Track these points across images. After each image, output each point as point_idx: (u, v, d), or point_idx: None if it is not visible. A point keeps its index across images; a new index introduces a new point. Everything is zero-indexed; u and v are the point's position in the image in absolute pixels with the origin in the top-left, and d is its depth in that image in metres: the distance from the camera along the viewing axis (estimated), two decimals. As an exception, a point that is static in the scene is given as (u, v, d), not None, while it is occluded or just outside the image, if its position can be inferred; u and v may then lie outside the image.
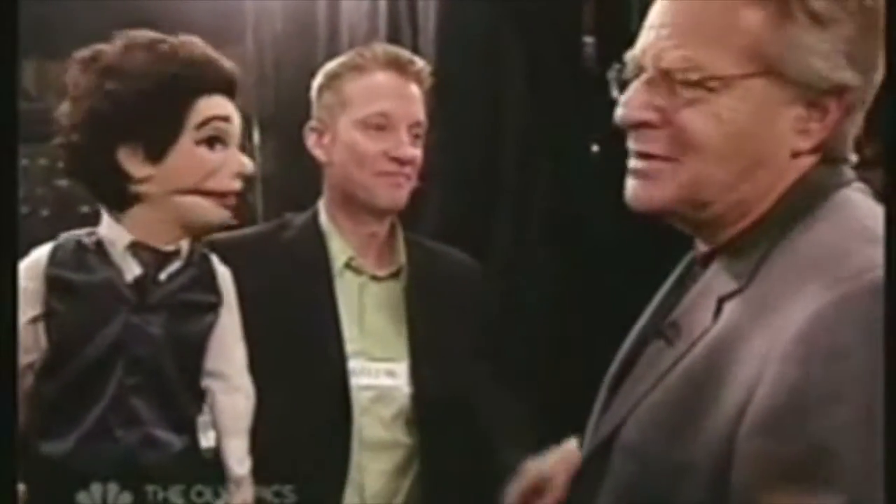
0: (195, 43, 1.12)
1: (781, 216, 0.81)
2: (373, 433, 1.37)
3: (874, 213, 0.77)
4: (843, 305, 0.69)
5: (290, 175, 2.10)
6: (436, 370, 1.39)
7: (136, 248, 1.09)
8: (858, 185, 0.83)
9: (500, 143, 2.09)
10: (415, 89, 1.44)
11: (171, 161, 1.08)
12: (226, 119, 1.11)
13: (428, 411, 1.38)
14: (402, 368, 1.40)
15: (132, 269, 1.09)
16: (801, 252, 0.77)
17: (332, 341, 1.37)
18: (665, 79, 0.80)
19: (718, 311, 0.79)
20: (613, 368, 0.97)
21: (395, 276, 1.46)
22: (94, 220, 1.14)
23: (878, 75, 0.78)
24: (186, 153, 1.09)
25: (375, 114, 1.39)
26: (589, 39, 1.99)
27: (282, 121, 2.17)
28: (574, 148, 2.04)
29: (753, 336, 0.74)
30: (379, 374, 1.39)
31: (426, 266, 1.47)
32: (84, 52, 1.09)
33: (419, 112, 1.44)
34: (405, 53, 1.47)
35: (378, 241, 1.46)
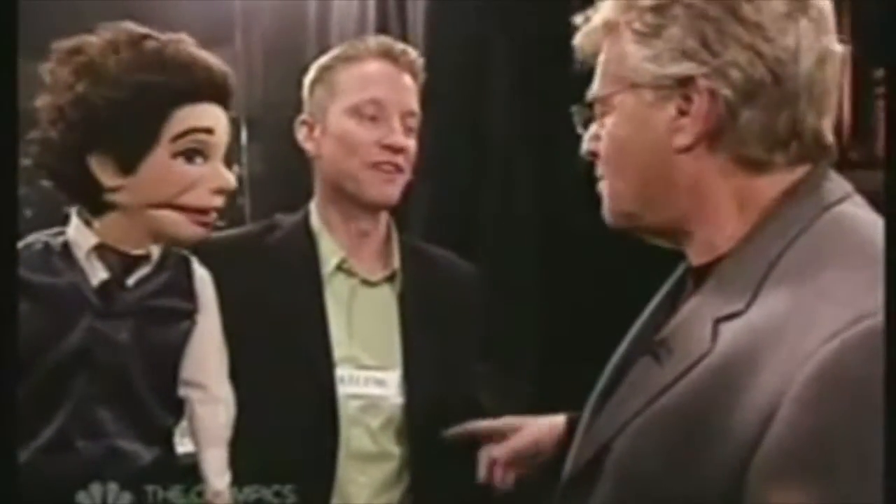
0: (184, 43, 1.05)
1: (774, 233, 0.80)
2: (360, 444, 1.31)
3: (878, 233, 0.75)
4: (867, 343, 0.66)
5: (279, 175, 2.09)
6: (428, 380, 1.34)
7: (102, 250, 1.04)
8: (857, 199, 0.83)
9: (488, 141, 2.09)
10: (408, 79, 1.39)
11: (143, 173, 1.02)
12: (208, 131, 1.04)
13: (418, 422, 1.33)
14: (392, 377, 1.34)
15: (98, 274, 1.03)
16: (807, 280, 0.74)
17: (321, 347, 1.31)
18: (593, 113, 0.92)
19: (715, 333, 0.77)
20: (599, 385, 0.96)
21: (388, 280, 1.40)
22: None
23: (733, 54, 0.80)
24: (161, 166, 1.02)
25: (367, 101, 1.34)
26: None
27: (270, 121, 2.17)
28: (561, 146, 2.04)
29: (762, 366, 0.71)
30: (368, 383, 1.33)
31: (422, 271, 1.41)
32: (67, 44, 1.03)
33: (412, 102, 1.38)
34: (398, 44, 1.41)
35: (371, 243, 1.40)
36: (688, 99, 0.82)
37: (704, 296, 0.83)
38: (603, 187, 0.92)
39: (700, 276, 0.87)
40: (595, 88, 0.91)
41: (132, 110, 0.99)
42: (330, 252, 1.37)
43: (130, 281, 1.05)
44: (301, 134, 1.41)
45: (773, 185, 0.83)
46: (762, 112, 0.81)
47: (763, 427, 0.68)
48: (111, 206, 1.03)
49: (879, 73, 2.15)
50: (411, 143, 1.37)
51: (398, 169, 1.35)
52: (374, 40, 1.41)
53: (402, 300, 1.38)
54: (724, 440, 0.71)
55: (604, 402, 0.91)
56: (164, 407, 1.06)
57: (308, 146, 1.40)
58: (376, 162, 1.33)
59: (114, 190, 1.02)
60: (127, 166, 1.01)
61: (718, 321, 0.78)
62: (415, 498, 1.34)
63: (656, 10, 0.83)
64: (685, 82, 0.82)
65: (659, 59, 0.83)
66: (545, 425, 1.31)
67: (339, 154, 1.35)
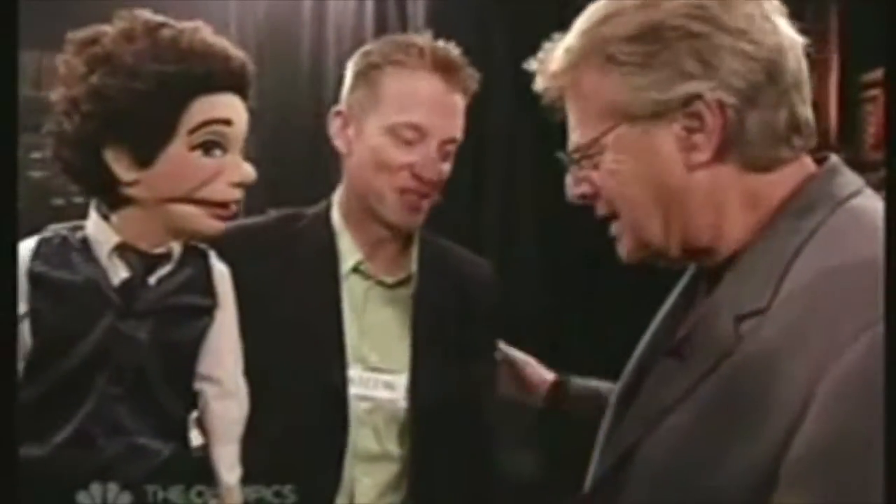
0: (201, 31, 1.01)
1: (789, 229, 0.81)
2: (367, 445, 1.31)
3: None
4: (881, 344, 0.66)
5: (272, 171, 2.08)
6: (435, 386, 1.32)
7: (123, 249, 1.02)
8: (868, 192, 0.84)
9: (488, 144, 2.09)
10: (458, 100, 1.31)
11: (160, 167, 0.99)
12: (226, 122, 1.00)
13: (423, 427, 1.32)
14: (400, 381, 1.33)
15: (119, 272, 1.01)
16: (830, 274, 0.75)
17: (334, 346, 1.30)
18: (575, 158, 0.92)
19: (738, 330, 0.78)
20: (623, 380, 0.96)
21: (403, 283, 1.38)
22: (68, 212, 1.07)
23: (730, 63, 0.81)
24: (178, 159, 0.99)
25: (409, 124, 1.27)
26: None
27: (264, 116, 2.16)
28: (562, 147, 2.04)
29: (790, 361, 0.72)
30: (377, 385, 1.32)
31: (438, 275, 1.38)
32: (81, 34, 1.00)
33: (457, 129, 1.32)
34: (457, 58, 1.32)
35: (390, 246, 1.38)
36: (693, 116, 0.83)
37: (722, 293, 0.84)
38: (618, 227, 0.91)
39: (714, 273, 0.87)
40: (579, 133, 0.90)
41: (148, 101, 0.96)
42: (348, 251, 1.35)
43: (152, 280, 1.03)
44: (334, 126, 1.35)
45: (782, 182, 0.84)
46: (764, 112, 0.82)
47: (795, 422, 0.69)
48: (129, 201, 1.01)
49: (867, 76, 2.16)
50: (445, 168, 1.32)
51: (425, 196, 1.31)
52: (430, 48, 1.31)
53: (416, 304, 1.36)
54: (755, 435, 0.72)
55: (626, 406, 0.91)
56: (180, 401, 1.05)
57: (338, 142, 1.35)
58: (405, 187, 1.29)
59: (130, 184, 0.99)
60: (143, 159, 0.98)
61: (740, 318, 0.78)
62: (417, 500, 1.33)
63: (639, 38, 0.83)
64: (690, 101, 0.82)
65: (659, 84, 0.83)
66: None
67: (369, 168, 1.30)
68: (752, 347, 0.76)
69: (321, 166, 2.01)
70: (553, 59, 0.90)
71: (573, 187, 0.93)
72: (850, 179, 0.84)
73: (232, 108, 1.02)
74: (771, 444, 0.70)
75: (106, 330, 0.99)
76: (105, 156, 0.98)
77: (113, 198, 1.01)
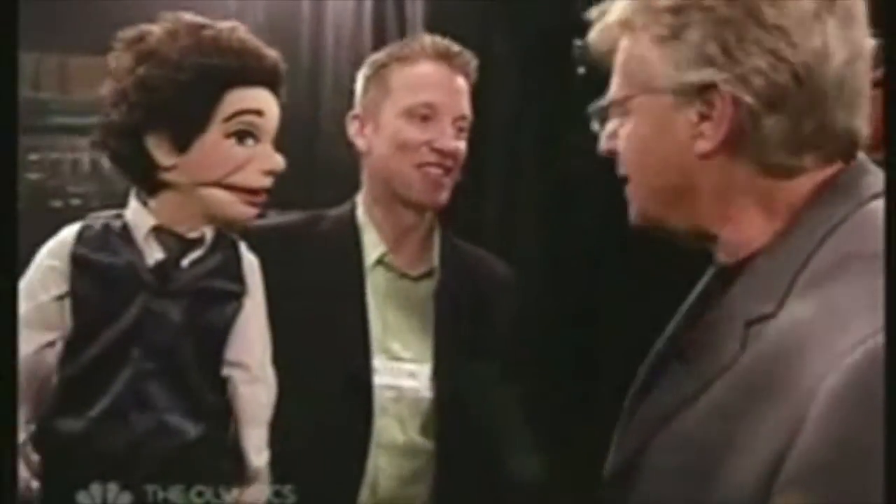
0: (238, 30, 1.10)
1: (806, 231, 0.78)
2: (391, 435, 1.35)
3: None
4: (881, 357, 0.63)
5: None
6: (458, 376, 1.36)
7: (159, 232, 1.08)
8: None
9: (487, 142, 2.09)
10: (461, 81, 1.41)
11: (196, 152, 1.06)
12: (258, 113, 1.08)
13: (446, 416, 1.36)
14: (424, 370, 1.37)
15: (154, 254, 1.08)
16: (838, 280, 0.71)
17: (359, 336, 1.35)
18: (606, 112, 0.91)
19: (746, 336, 0.75)
20: (638, 379, 0.95)
21: (426, 276, 1.43)
22: (65, 214, 1.13)
23: (755, 61, 0.77)
24: (213, 145, 1.07)
25: (421, 104, 1.37)
26: (578, 42, 1.99)
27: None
28: (561, 145, 2.04)
29: (790, 371, 0.69)
30: (401, 375, 1.37)
31: (460, 270, 1.44)
32: (129, 33, 1.08)
33: (464, 105, 1.41)
34: (453, 46, 1.43)
35: (414, 239, 1.44)
36: (709, 104, 0.80)
37: (735, 296, 0.81)
38: (629, 191, 0.90)
39: (730, 275, 0.84)
40: (613, 89, 0.89)
41: (188, 91, 1.04)
42: (372, 245, 1.41)
43: (185, 262, 1.09)
44: (352, 129, 1.43)
45: (803, 183, 0.80)
46: (787, 118, 0.78)
47: (792, 434, 0.66)
48: (166, 186, 1.08)
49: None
50: (462, 145, 1.40)
51: (447, 171, 1.38)
52: (429, 40, 1.43)
53: (438, 297, 1.41)
54: (754, 446, 0.69)
55: (639, 403, 0.90)
56: (209, 385, 1.09)
57: (359, 142, 1.43)
58: (426, 162, 1.36)
59: (168, 169, 1.06)
60: (181, 144, 1.06)
61: (749, 324, 0.76)
62: (440, 491, 1.36)
63: (674, 11, 0.81)
64: (706, 88, 0.79)
65: (679, 64, 0.80)
66: None
67: (390, 153, 1.38)
68: (755, 354, 0.73)
69: (319, 166, 2.01)
70: (612, 9, 0.88)
71: (604, 140, 0.91)
72: (875, 179, 0.80)
73: (264, 100, 1.09)
74: (768, 455, 0.67)
75: (140, 308, 1.05)
76: (147, 142, 1.06)
77: (152, 183, 1.08)
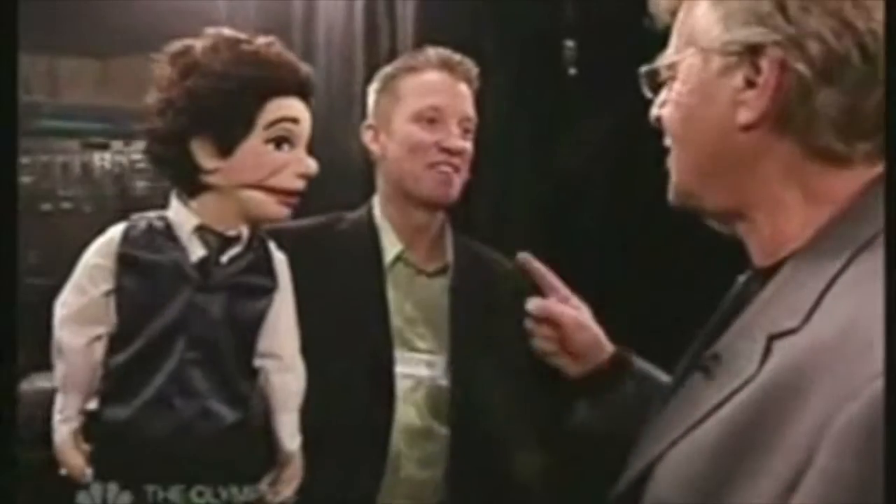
0: (275, 45, 1.18)
1: (843, 238, 0.70)
2: (410, 420, 1.44)
3: None
4: None
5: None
6: (473, 365, 1.46)
7: (202, 230, 1.16)
8: None
9: (476, 142, 2.08)
10: (464, 87, 1.54)
11: (239, 156, 1.14)
12: (294, 121, 1.17)
13: (461, 403, 1.45)
14: (440, 361, 1.47)
15: (197, 251, 1.15)
16: (868, 299, 0.63)
17: (380, 330, 1.45)
18: (658, 76, 0.86)
19: (767, 352, 0.69)
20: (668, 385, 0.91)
21: (441, 272, 1.54)
22: (55, 217, 1.16)
23: (815, 23, 0.69)
24: (254, 150, 1.15)
25: (428, 107, 1.49)
26: (569, 43, 1.99)
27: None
28: (553, 145, 2.04)
29: (805, 397, 0.62)
30: (419, 365, 1.46)
31: (472, 266, 1.55)
32: (175, 47, 1.16)
33: (469, 108, 1.54)
34: (456, 55, 1.56)
35: (428, 237, 1.54)
36: (757, 69, 0.73)
37: (763, 305, 0.75)
38: (669, 161, 0.85)
39: (765, 279, 0.78)
40: (668, 51, 0.84)
41: (233, 99, 1.12)
42: (390, 244, 1.52)
43: (224, 258, 1.16)
44: (367, 137, 1.56)
45: (849, 180, 0.73)
46: (844, 95, 0.70)
47: (801, 466, 0.60)
48: (207, 188, 1.16)
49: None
50: (468, 145, 1.52)
51: (455, 169, 1.49)
52: (433, 52, 1.56)
53: (453, 291, 1.52)
54: (758, 481, 0.64)
55: (659, 414, 0.86)
56: (244, 374, 1.17)
57: (374, 148, 1.55)
58: (435, 162, 1.48)
59: (211, 172, 1.15)
60: (225, 149, 1.14)
61: (773, 338, 0.69)
62: (456, 474, 1.45)
63: None
64: (755, 50, 0.73)
65: (729, 21, 0.74)
66: (592, 331, 1.34)
67: (403, 155, 1.50)
68: (772, 374, 0.67)
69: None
70: None
71: (655, 108, 0.87)
72: None
73: (299, 109, 1.18)
74: (777, 485, 0.62)
75: (185, 302, 1.12)
76: (191, 147, 1.14)
77: (194, 185, 1.16)
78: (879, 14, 0.68)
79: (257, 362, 1.19)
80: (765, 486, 0.63)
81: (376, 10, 2.20)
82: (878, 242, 0.67)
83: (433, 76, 1.52)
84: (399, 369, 1.44)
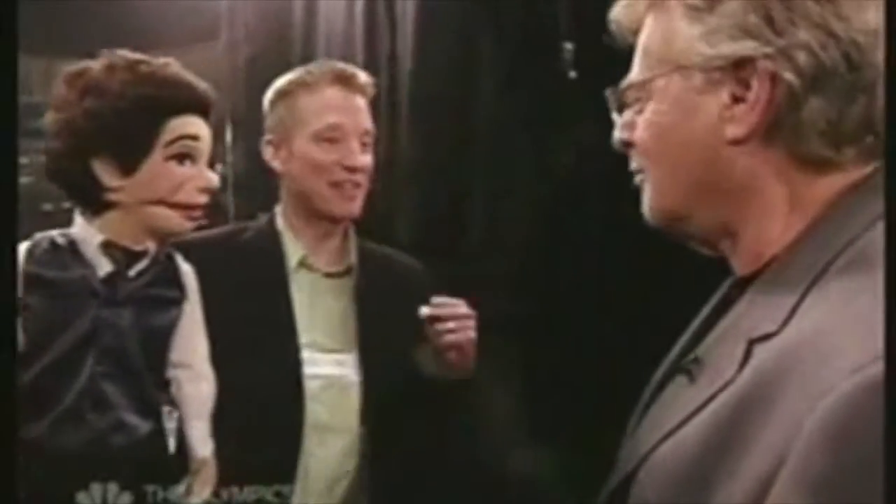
0: (172, 65, 1.21)
1: (823, 241, 0.71)
2: (321, 419, 1.47)
3: None
4: (878, 389, 0.56)
5: (262, 174, 2.08)
6: (381, 361, 1.50)
7: (108, 247, 1.18)
8: None
9: (477, 140, 2.09)
10: (360, 101, 1.56)
11: (142, 174, 1.17)
12: (195, 138, 1.20)
13: (372, 399, 1.49)
14: (350, 359, 1.51)
15: (104, 266, 1.17)
16: (844, 300, 0.64)
17: (287, 333, 1.48)
18: (625, 97, 0.84)
19: (747, 356, 0.69)
20: (642, 399, 0.90)
21: (345, 273, 1.58)
22: (58, 217, 1.22)
23: (802, 34, 0.70)
24: (157, 168, 1.18)
25: (327, 127, 1.52)
26: (568, 45, 1.99)
27: (254, 120, 2.15)
28: (551, 143, 2.04)
29: (781, 398, 0.63)
30: (328, 364, 1.50)
31: (375, 266, 1.59)
32: (71, 68, 1.18)
33: (367, 121, 1.56)
34: (349, 68, 1.59)
35: (331, 242, 1.58)
36: (744, 84, 0.73)
37: (743, 310, 0.76)
38: (642, 182, 0.83)
39: (746, 286, 0.78)
40: (634, 71, 0.82)
41: (132, 119, 1.16)
42: (293, 250, 1.55)
43: (132, 273, 1.19)
44: (267, 153, 1.58)
45: (834, 183, 0.73)
46: (831, 103, 0.71)
47: (772, 472, 0.61)
48: (111, 205, 1.18)
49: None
50: (368, 159, 1.56)
51: (358, 185, 1.53)
52: (327, 66, 1.59)
53: (358, 291, 1.56)
54: (740, 475, 0.64)
55: (641, 419, 0.86)
56: (156, 384, 1.20)
57: (275, 164, 1.57)
58: (339, 180, 1.51)
59: (114, 189, 1.17)
60: (127, 168, 1.17)
61: (752, 342, 0.70)
62: (370, 470, 1.50)
63: None
64: (742, 64, 0.72)
65: (713, 36, 0.74)
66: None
67: (306, 174, 1.53)
68: (751, 376, 0.68)
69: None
70: None
71: (618, 131, 0.85)
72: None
73: (199, 126, 1.22)
74: (755, 484, 0.62)
75: (93, 316, 1.14)
76: (93, 166, 1.16)
77: (97, 203, 1.18)
78: (860, 24, 0.70)
79: (169, 372, 1.21)
80: (743, 486, 0.63)
81: (376, 11, 2.20)
82: (855, 245, 0.68)
83: (330, 93, 1.54)
84: (308, 370, 1.48)
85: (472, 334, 1.46)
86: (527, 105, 2.02)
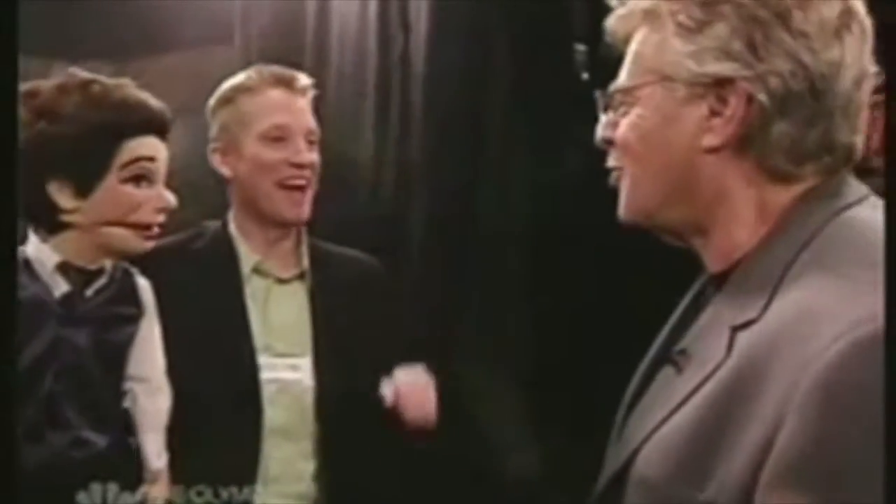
0: (126, 86, 1.21)
1: (789, 238, 0.80)
2: (278, 423, 1.49)
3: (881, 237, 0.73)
4: (866, 348, 0.65)
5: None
6: (337, 364, 1.52)
7: (64, 267, 1.18)
8: (874, 201, 0.82)
9: (488, 138, 2.08)
10: (303, 102, 1.59)
11: (97, 196, 1.18)
12: (151, 159, 1.21)
13: (328, 402, 1.52)
14: (305, 363, 1.53)
15: (60, 287, 1.18)
16: (813, 285, 0.74)
17: (242, 339, 1.50)
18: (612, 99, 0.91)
19: (732, 342, 0.77)
20: (627, 394, 0.95)
21: (299, 278, 1.59)
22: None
23: (777, 62, 0.79)
24: (112, 190, 1.18)
25: (273, 126, 1.53)
26: (580, 47, 1.99)
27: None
28: (561, 143, 2.04)
29: (769, 376, 0.70)
30: (283, 369, 1.52)
31: (329, 269, 1.60)
32: (24, 87, 1.16)
33: (311, 121, 1.58)
34: (288, 71, 1.60)
35: (283, 247, 1.59)
36: (722, 100, 0.80)
37: (722, 303, 0.83)
38: (619, 179, 0.90)
39: (720, 282, 0.86)
40: (623, 77, 0.89)
41: (87, 143, 1.15)
42: (246, 256, 1.56)
43: (89, 292, 1.20)
44: (215, 160, 1.58)
45: (794, 192, 0.82)
46: (794, 126, 0.79)
47: (771, 438, 0.67)
48: (67, 226, 1.18)
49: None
50: (315, 157, 1.57)
51: (305, 186, 1.54)
52: (266, 70, 1.60)
53: (312, 295, 1.57)
54: (736, 450, 0.70)
55: (630, 413, 0.91)
56: (114, 399, 1.21)
57: (224, 170, 1.57)
58: (286, 178, 1.52)
59: (70, 211, 1.17)
60: (83, 190, 1.17)
61: (735, 329, 0.77)
62: (328, 471, 1.53)
63: (705, 4, 0.81)
64: (723, 83, 0.80)
65: (700, 56, 0.81)
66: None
67: (254, 175, 1.54)
68: (739, 360, 0.75)
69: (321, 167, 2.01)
70: (631, 1, 0.88)
71: (602, 129, 0.91)
72: (854, 188, 0.82)
73: (155, 147, 1.22)
74: (750, 460, 0.68)
75: (50, 336, 1.15)
76: (48, 188, 1.16)
77: (53, 224, 1.18)
78: (827, 57, 0.79)
79: (127, 385, 1.23)
80: (743, 456, 0.69)
81: (389, 13, 2.20)
82: (817, 239, 0.77)
83: (272, 94, 1.56)
84: (264, 375, 1.49)
85: (432, 406, 1.51)
86: (539, 107, 2.02)
